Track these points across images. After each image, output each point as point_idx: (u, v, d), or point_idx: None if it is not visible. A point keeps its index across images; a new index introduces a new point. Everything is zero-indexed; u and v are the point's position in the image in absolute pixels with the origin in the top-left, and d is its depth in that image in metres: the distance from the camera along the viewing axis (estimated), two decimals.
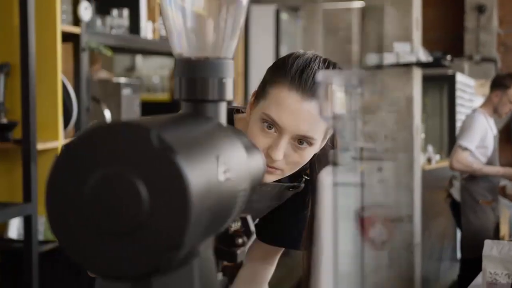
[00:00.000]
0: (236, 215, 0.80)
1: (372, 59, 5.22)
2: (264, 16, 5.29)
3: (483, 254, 1.97)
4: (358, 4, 5.97)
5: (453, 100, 7.13)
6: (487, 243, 2.03)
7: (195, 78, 0.82)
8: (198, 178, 0.64)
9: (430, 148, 6.32)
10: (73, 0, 2.74)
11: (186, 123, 0.74)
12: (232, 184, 0.73)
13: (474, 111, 4.63)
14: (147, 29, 3.30)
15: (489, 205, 4.49)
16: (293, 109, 1.25)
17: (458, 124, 7.19)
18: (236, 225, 0.90)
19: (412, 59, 5.17)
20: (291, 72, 1.27)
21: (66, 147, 0.65)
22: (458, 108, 7.17)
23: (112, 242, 0.63)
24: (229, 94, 0.84)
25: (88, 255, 0.64)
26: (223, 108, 0.84)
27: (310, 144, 1.28)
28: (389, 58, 5.12)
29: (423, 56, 5.33)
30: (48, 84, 2.55)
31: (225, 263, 0.97)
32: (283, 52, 5.75)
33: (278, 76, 1.28)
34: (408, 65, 5.10)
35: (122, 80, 3.26)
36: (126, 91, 3.13)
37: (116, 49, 3.35)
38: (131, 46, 3.30)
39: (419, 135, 5.60)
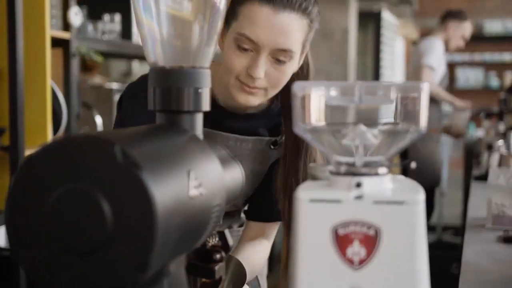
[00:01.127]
0: (211, 230, 0.77)
1: None
2: None
3: (488, 182, 1.86)
4: None
5: (378, 37, 7.09)
6: (493, 170, 1.88)
7: (170, 88, 0.79)
8: (165, 195, 0.61)
9: None
10: (63, 5, 2.71)
11: (157, 136, 0.71)
12: (204, 199, 0.70)
13: (426, 38, 4.68)
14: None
15: (436, 134, 4.54)
16: (267, 23, 1.23)
17: (383, 63, 7.19)
18: (213, 240, 0.87)
19: None
20: None
21: (28, 160, 0.62)
22: (382, 46, 7.15)
23: (74, 261, 0.60)
24: (205, 105, 0.82)
25: (48, 274, 0.61)
26: (199, 119, 0.82)
27: (290, 58, 1.26)
28: None
29: None
30: (37, 90, 2.52)
31: (203, 280, 0.94)
32: None
33: None
34: None
35: (115, 85, 3.23)
36: (118, 97, 3.10)
37: (107, 55, 3.32)
38: (123, 52, 3.27)
39: (353, 70, 5.59)
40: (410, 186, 0.71)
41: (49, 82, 2.54)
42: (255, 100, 1.30)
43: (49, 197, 0.60)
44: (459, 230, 5.06)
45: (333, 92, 0.70)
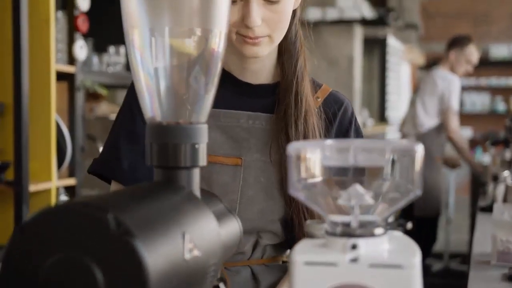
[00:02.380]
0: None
1: (313, 13, 5.14)
2: None
3: (492, 219, 1.83)
4: None
5: (384, 63, 7.10)
6: (497, 207, 1.85)
7: (167, 143, 0.79)
8: (160, 261, 0.61)
9: (365, 112, 6.27)
10: (69, 39, 2.73)
11: (152, 197, 0.71)
12: (200, 260, 0.70)
13: (437, 69, 4.65)
14: None
15: (441, 162, 4.55)
16: None
17: (389, 89, 7.18)
18: None
19: (356, 14, 5.14)
20: None
21: (21, 228, 0.62)
22: (387, 72, 7.15)
23: None
24: (202, 160, 0.81)
25: None
26: (196, 174, 0.81)
27: None
28: (332, 13, 5.10)
29: (367, 11, 5.30)
30: (41, 124, 2.53)
31: None
32: None
33: None
34: (350, 22, 5.07)
35: None
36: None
37: (113, 86, 3.34)
38: (128, 84, 3.28)
39: (359, 97, 5.59)
40: (407, 246, 0.71)
41: (54, 116, 2.55)
42: (262, 50, 1.21)
43: (42, 265, 0.60)
44: (467, 258, 5.02)
45: (328, 153, 0.70)
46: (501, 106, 10.17)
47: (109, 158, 1.28)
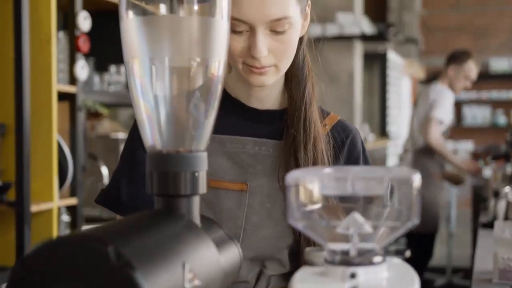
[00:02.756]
0: None
1: (313, 29, 5.19)
2: None
3: (493, 237, 1.82)
4: None
5: (384, 78, 7.11)
6: (498, 224, 1.83)
7: (167, 172, 0.80)
8: None
9: (366, 127, 6.27)
10: (70, 59, 2.75)
11: (151, 227, 0.72)
12: None
13: (435, 84, 4.66)
14: None
15: (439, 180, 4.55)
16: None
17: (389, 103, 7.20)
18: None
19: (356, 30, 5.16)
20: None
21: (21, 261, 0.62)
22: (388, 87, 7.17)
23: None
24: (202, 188, 0.82)
25: None
26: (196, 202, 0.82)
27: (289, 25, 1.16)
28: (332, 29, 5.10)
29: (367, 27, 5.31)
30: (43, 145, 2.54)
31: None
32: None
33: None
34: (350, 38, 5.08)
35: (121, 135, 3.25)
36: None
37: (114, 105, 3.36)
38: (129, 102, 3.30)
39: (359, 112, 5.61)
40: (405, 274, 0.71)
41: (55, 137, 2.56)
42: (268, 79, 1.20)
43: None
44: (469, 273, 5.01)
45: (327, 181, 0.71)
46: (502, 119, 10.18)
47: (110, 190, 1.31)
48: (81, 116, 2.75)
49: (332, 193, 0.72)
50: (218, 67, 0.83)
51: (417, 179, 0.69)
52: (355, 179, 0.70)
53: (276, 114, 1.31)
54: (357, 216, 0.71)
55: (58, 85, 2.62)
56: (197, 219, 0.81)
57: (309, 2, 1.26)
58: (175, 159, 0.80)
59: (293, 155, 1.24)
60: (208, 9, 0.81)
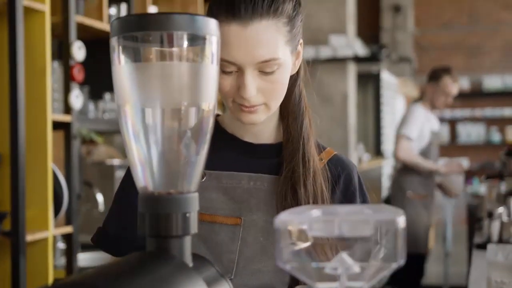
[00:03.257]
0: None
1: (307, 52, 5.19)
2: None
3: (487, 261, 1.82)
4: None
5: (378, 98, 7.15)
6: (491, 247, 1.84)
7: (159, 214, 0.82)
8: None
9: (361, 147, 6.30)
10: (65, 88, 2.77)
11: (142, 269, 0.73)
12: None
13: (413, 103, 4.71)
14: None
15: (420, 199, 4.46)
16: (239, 40, 1.15)
17: (383, 123, 7.23)
18: None
19: (349, 52, 5.19)
20: (223, 4, 1.17)
21: None
22: (382, 107, 7.20)
23: None
24: (193, 228, 0.84)
25: None
26: (187, 242, 0.84)
27: (277, 65, 1.18)
28: (325, 52, 5.14)
29: (360, 49, 5.34)
30: (38, 174, 2.55)
31: None
32: None
33: (215, 15, 1.17)
34: (343, 60, 5.12)
35: (116, 162, 3.26)
36: (119, 173, 3.14)
37: (109, 132, 3.38)
38: None
39: (353, 134, 5.63)
40: None
41: (50, 166, 2.58)
42: (258, 117, 1.22)
43: None
44: None
45: (314, 224, 0.73)
46: (496, 137, 10.23)
47: (104, 231, 1.35)
48: (76, 144, 2.77)
49: (320, 235, 0.73)
50: (208, 110, 0.86)
51: (401, 221, 0.71)
52: (342, 222, 0.72)
53: (272, 148, 1.32)
54: (345, 256, 0.73)
55: (53, 115, 2.63)
56: (188, 259, 0.82)
57: (301, 40, 1.27)
58: (167, 201, 0.82)
59: (291, 190, 1.24)
60: (198, 53, 0.84)
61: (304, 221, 0.73)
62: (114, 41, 0.82)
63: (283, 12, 1.18)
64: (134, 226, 1.12)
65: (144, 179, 0.85)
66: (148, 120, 0.83)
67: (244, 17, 1.15)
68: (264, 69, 1.16)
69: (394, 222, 0.71)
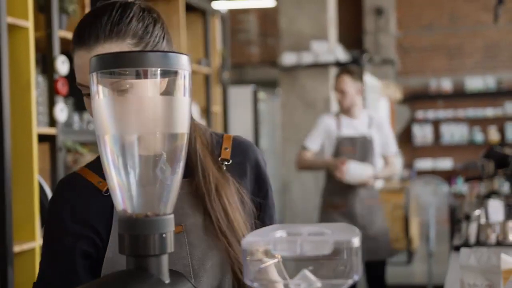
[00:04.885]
0: None
1: (289, 58, 5.20)
2: (242, 96, 5.45)
3: (459, 264, 1.87)
4: None
5: (361, 101, 7.22)
6: (464, 251, 1.89)
7: (137, 235, 0.89)
8: None
9: None
10: (49, 102, 2.83)
11: None
12: None
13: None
14: None
15: (335, 210, 4.29)
16: (83, 63, 1.21)
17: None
18: None
19: (330, 58, 5.22)
20: (75, 34, 1.24)
21: None
22: (365, 109, 7.28)
23: None
24: (170, 247, 0.91)
25: None
26: (164, 260, 0.90)
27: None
28: (307, 57, 5.16)
29: (341, 54, 5.39)
30: (24, 186, 2.60)
31: None
32: (262, 130, 5.91)
33: (72, 43, 1.25)
34: (325, 65, 5.15)
35: None
36: None
37: (94, 143, 3.43)
38: None
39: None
40: None
41: (36, 178, 2.63)
42: None
43: None
44: None
45: (278, 245, 0.80)
46: (479, 137, 10.36)
47: (43, 281, 1.29)
48: (61, 156, 2.82)
49: (283, 254, 0.81)
50: (181, 137, 0.92)
51: (356, 241, 0.78)
52: (304, 242, 0.79)
53: None
54: (307, 273, 0.80)
55: (38, 128, 2.69)
56: (165, 276, 0.89)
57: None
58: (144, 223, 0.89)
59: (206, 200, 1.30)
60: (171, 87, 0.90)
61: (269, 242, 0.80)
62: (93, 77, 0.89)
63: (128, 33, 1.23)
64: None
65: (122, 203, 0.92)
66: (126, 148, 0.90)
67: (89, 42, 1.21)
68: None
69: (350, 242, 0.78)
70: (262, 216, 1.40)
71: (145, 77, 0.88)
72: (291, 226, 0.88)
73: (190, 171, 1.32)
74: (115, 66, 0.88)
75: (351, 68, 4.41)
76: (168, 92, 0.90)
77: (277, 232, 0.83)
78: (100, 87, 0.90)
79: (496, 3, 5.78)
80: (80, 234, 1.28)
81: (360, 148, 4.32)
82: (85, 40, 1.22)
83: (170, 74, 0.90)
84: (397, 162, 5.05)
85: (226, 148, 1.38)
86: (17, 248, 2.51)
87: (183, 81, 0.91)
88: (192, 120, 1.35)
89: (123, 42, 1.23)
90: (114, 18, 1.22)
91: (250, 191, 1.37)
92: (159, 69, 0.88)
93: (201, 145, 1.34)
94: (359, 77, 4.33)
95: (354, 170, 4.10)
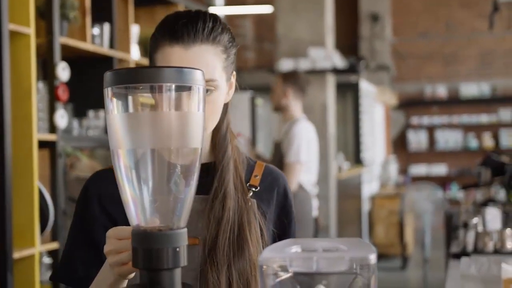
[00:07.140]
0: None
1: (286, 64, 5.17)
2: (240, 102, 5.46)
3: (460, 273, 1.87)
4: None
5: (357, 107, 7.26)
6: (464, 261, 1.89)
7: (151, 249, 0.89)
8: None
9: (341, 156, 6.40)
10: (49, 108, 2.83)
11: None
12: None
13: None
14: None
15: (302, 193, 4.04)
16: (180, 60, 1.23)
17: (363, 131, 7.34)
18: None
19: (327, 65, 5.22)
20: (167, 30, 1.25)
21: None
22: (361, 115, 7.32)
23: None
24: (183, 261, 0.91)
25: None
26: (177, 274, 0.91)
27: (215, 86, 1.26)
28: (304, 64, 5.15)
29: (339, 61, 5.40)
30: (24, 192, 2.60)
31: None
32: (260, 136, 5.92)
33: (159, 39, 1.26)
34: (322, 72, 5.16)
35: None
36: None
37: (93, 149, 3.43)
38: (107, 145, 3.37)
39: (333, 143, 5.72)
40: None
41: (36, 184, 2.63)
42: None
43: None
44: None
45: (295, 261, 0.80)
46: (473, 143, 10.38)
47: (65, 267, 1.32)
48: (61, 162, 2.82)
49: (299, 271, 0.81)
50: (195, 151, 0.93)
51: (373, 257, 0.79)
52: (320, 258, 0.80)
53: (203, 166, 1.38)
54: None
55: (38, 134, 2.69)
56: None
57: (234, 72, 1.35)
58: (158, 237, 0.89)
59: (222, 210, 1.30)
60: (185, 102, 0.91)
61: (285, 258, 0.81)
62: (107, 92, 0.89)
63: (221, 41, 1.28)
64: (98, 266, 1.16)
65: (136, 217, 0.92)
66: (140, 162, 0.90)
67: (187, 41, 1.24)
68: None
69: (367, 259, 0.79)
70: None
71: (160, 92, 0.89)
72: (305, 240, 0.88)
73: (212, 188, 1.32)
74: (130, 82, 0.88)
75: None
76: (182, 107, 0.91)
77: (292, 248, 0.84)
78: (114, 102, 0.90)
79: (491, 11, 5.81)
80: (105, 226, 1.26)
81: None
82: (183, 38, 1.24)
83: (184, 89, 0.90)
84: None
85: (256, 176, 1.38)
86: (17, 255, 2.50)
87: (197, 96, 0.91)
88: (229, 129, 1.37)
89: (216, 48, 1.27)
90: (209, 24, 1.26)
91: (273, 219, 1.38)
92: (173, 84, 0.89)
93: (233, 168, 1.34)
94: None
95: None
